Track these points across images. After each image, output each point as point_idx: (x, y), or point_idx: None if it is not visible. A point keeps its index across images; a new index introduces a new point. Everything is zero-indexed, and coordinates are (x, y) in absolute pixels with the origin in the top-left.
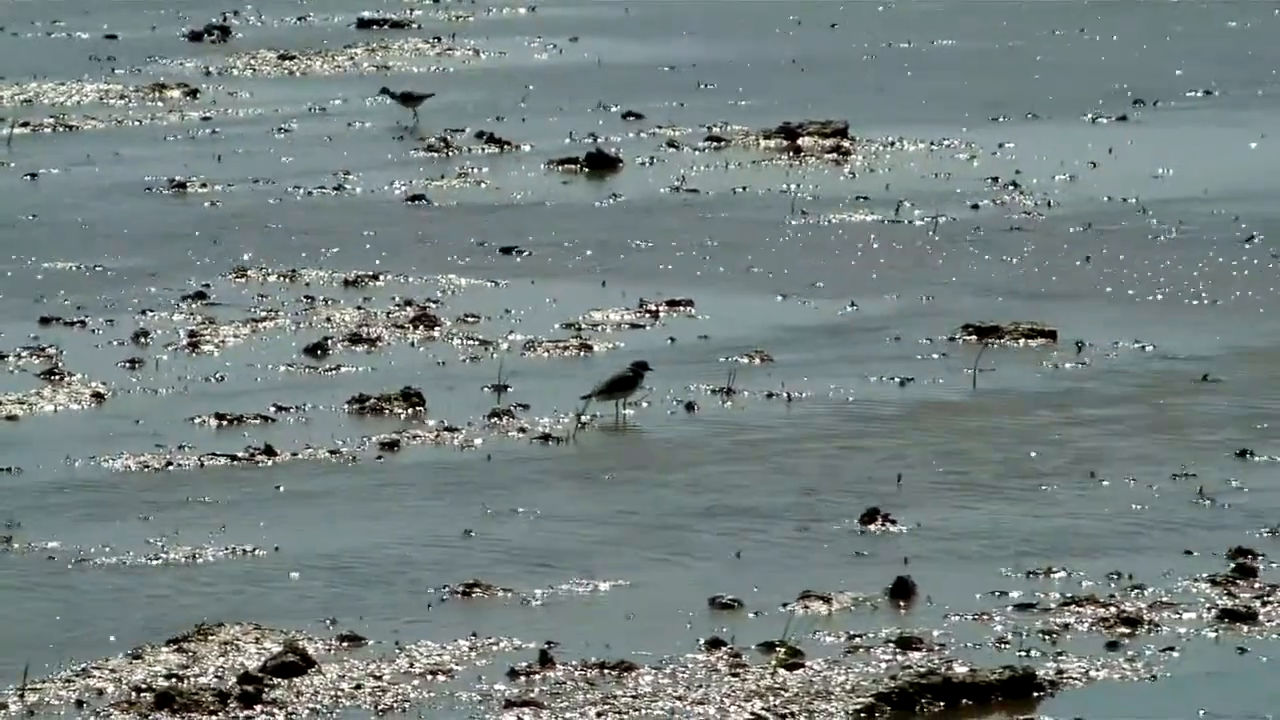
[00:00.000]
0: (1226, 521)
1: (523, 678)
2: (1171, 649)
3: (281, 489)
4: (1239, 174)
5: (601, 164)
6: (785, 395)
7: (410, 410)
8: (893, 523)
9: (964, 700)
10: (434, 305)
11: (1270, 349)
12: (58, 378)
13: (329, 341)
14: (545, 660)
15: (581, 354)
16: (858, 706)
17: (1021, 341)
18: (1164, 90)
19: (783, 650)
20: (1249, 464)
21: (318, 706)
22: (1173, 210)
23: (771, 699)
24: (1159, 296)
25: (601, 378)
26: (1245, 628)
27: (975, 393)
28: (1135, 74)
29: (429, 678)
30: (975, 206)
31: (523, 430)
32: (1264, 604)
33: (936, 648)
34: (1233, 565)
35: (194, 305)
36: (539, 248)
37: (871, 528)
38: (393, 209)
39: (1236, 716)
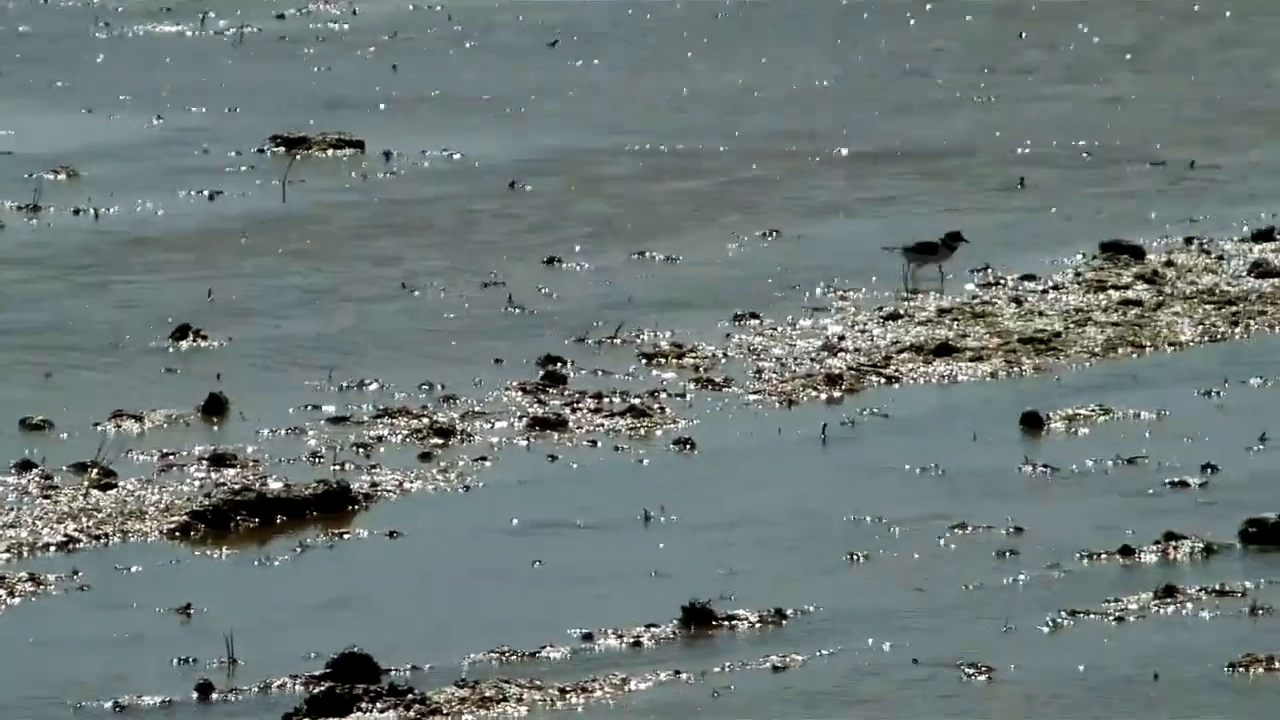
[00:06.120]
0: (536, 328)
1: None
2: (484, 459)
3: None
4: None
5: None
6: (93, 211)
7: None
8: (205, 338)
9: (279, 516)
10: None
11: (574, 163)
12: None
13: None
14: None
15: None
16: (172, 525)
17: (330, 152)
18: None
19: (95, 471)
20: (556, 271)
21: None
22: (480, 18)
23: (85, 520)
24: (466, 105)
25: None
26: (556, 435)
27: (285, 204)
28: None
29: None
30: (281, 16)
31: None
32: (573, 410)
33: (251, 464)
34: (543, 373)
35: None
36: None
37: (183, 344)
38: None
39: (547, 522)
